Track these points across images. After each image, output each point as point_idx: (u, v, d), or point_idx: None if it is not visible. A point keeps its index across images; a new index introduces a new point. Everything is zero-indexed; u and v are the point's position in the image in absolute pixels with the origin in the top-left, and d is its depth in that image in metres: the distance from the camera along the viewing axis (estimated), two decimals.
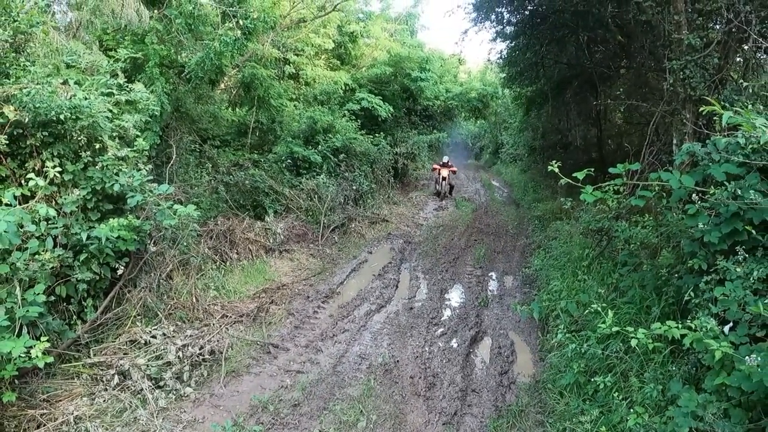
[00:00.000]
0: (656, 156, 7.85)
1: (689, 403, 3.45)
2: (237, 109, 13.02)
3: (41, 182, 5.68)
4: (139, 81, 7.89)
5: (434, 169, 20.38)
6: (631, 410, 4.14)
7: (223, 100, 12.86)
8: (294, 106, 14.99)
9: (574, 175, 4.94)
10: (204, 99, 11.56)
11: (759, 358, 2.92)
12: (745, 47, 6.92)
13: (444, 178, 19.72)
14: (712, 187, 4.34)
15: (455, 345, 7.29)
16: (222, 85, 12.57)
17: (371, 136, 16.01)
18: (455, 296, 9.23)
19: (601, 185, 5.31)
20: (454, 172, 20.61)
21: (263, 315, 7.65)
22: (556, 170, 4.84)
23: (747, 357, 2.95)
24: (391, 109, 17.53)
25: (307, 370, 6.44)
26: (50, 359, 4.81)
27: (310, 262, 10.27)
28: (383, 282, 9.71)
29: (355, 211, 13.48)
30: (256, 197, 11.16)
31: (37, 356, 4.59)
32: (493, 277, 10.28)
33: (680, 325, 3.30)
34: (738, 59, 7.03)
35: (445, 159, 20.38)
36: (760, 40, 6.37)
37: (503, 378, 6.47)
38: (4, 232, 4.81)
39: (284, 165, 12.56)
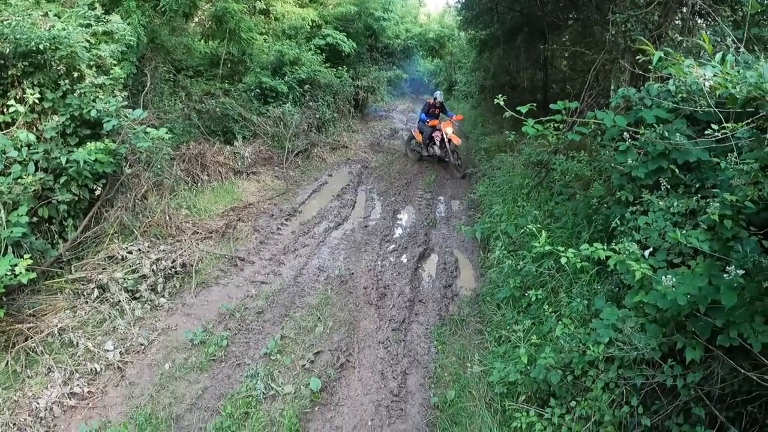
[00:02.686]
0: (595, 99, 7.85)
1: (610, 317, 3.54)
2: (210, 42, 12.54)
3: (21, 109, 5.48)
4: (116, 13, 7.53)
5: (428, 123, 12.84)
6: (559, 322, 4.24)
7: (196, 32, 12.35)
8: (264, 39, 14.45)
9: (517, 108, 4.89)
10: (178, 31, 11.07)
11: (674, 279, 2.98)
12: (684, 10, 6.91)
13: (449, 140, 12.24)
14: (642, 128, 4.36)
15: (405, 260, 7.34)
16: (195, 18, 12.05)
17: (335, 70, 15.61)
18: (406, 217, 9.24)
19: (542, 119, 5.32)
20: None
21: (231, 231, 7.58)
22: (502, 103, 4.75)
23: (663, 277, 2.97)
24: (355, 46, 16.96)
25: (271, 281, 6.47)
26: (33, 275, 4.70)
27: (274, 183, 10.14)
28: (341, 202, 9.66)
29: (317, 138, 13.24)
30: (226, 124, 10.90)
31: (21, 273, 4.49)
32: (442, 201, 10.31)
33: (606, 248, 3.32)
34: (677, 21, 7.00)
35: (438, 96, 13.03)
36: (699, 3, 6.35)
37: (447, 291, 6.57)
38: None
39: (253, 94, 12.24)
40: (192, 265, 6.39)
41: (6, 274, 4.46)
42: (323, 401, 4.57)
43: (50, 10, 6.49)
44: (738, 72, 2.59)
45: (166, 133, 6.58)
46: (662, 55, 3.53)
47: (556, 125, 5.81)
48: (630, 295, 3.47)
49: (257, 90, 12.41)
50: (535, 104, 5.13)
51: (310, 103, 13.69)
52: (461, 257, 7.63)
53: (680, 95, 3.97)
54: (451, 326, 5.71)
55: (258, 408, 4.36)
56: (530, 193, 7.77)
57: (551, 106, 5.20)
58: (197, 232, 7.22)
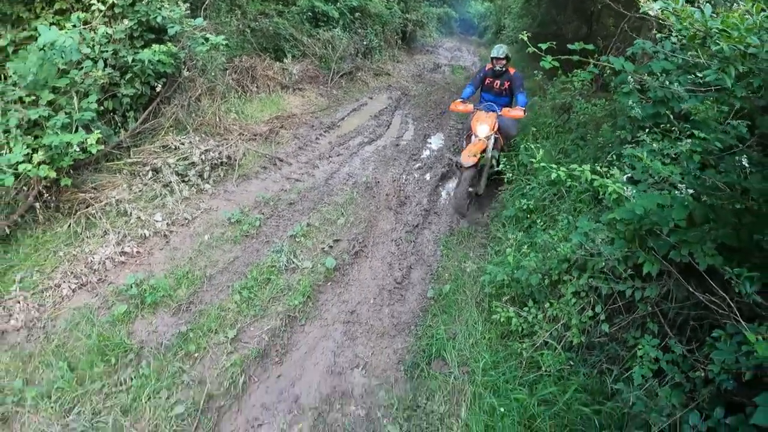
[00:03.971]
0: (622, 51, 7.87)
1: (584, 227, 3.78)
2: None
3: (102, 7, 5.89)
4: None
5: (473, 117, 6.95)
6: (545, 233, 4.56)
7: None
8: None
9: (539, 45, 4.83)
10: None
11: (635, 192, 3.20)
12: None
13: (483, 146, 6.43)
14: (646, 75, 4.46)
15: (428, 178, 7.62)
16: None
17: (386, 1, 15.53)
18: (436, 141, 9.42)
19: (559, 57, 5.31)
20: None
21: (273, 136, 7.97)
22: (525, 39, 4.62)
23: (626, 188, 3.13)
24: None
25: (304, 180, 6.90)
26: (102, 147, 5.26)
27: (318, 100, 10.44)
28: (377, 122, 9.93)
29: (362, 63, 13.37)
30: (277, 42, 11.11)
31: (91, 145, 5.00)
32: None
33: (591, 170, 3.39)
34: None
35: (500, 52, 7.03)
36: None
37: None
38: (69, 46, 5.13)
39: (305, 17, 12.38)
40: (236, 159, 6.84)
41: (75, 150, 4.95)
42: (335, 279, 5.02)
43: None
44: (684, 9, 2.69)
45: (224, 40, 6.92)
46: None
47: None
48: (606, 213, 3.64)
49: (309, 13, 12.52)
50: (554, 42, 5.10)
51: (359, 30, 13.75)
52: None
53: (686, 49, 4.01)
54: (459, 237, 6.00)
55: (279, 276, 4.87)
56: (551, 132, 7.86)
57: (569, 45, 5.22)
58: (243, 134, 7.62)
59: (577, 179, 3.49)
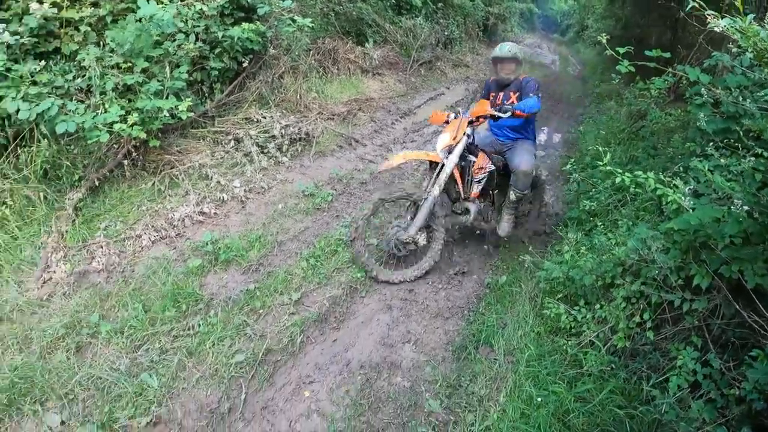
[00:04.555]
0: (700, 62, 7.57)
1: (642, 233, 3.67)
2: None
3: None
4: None
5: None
6: (605, 236, 4.46)
7: None
8: None
9: (616, 49, 4.42)
10: None
11: (692, 202, 3.06)
12: None
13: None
14: (720, 88, 4.28)
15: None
16: None
17: None
18: None
19: (636, 62, 5.09)
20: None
21: (351, 117, 8.13)
22: (604, 41, 4.36)
23: (683, 197, 3.03)
24: None
25: (377, 162, 7.00)
26: (192, 114, 5.58)
27: (396, 86, 10.53)
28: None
29: (442, 53, 13.37)
30: (360, 27, 11.24)
31: (182, 111, 5.29)
32: (544, 131, 10.23)
33: (656, 179, 3.28)
34: None
35: (505, 52, 5.01)
36: None
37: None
38: (166, 20, 5.41)
39: (388, 4, 12.47)
40: (314, 136, 7.02)
41: (164, 115, 5.22)
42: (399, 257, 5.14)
43: None
44: (750, 27, 2.56)
45: (310, 23, 7.13)
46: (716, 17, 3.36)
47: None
48: (664, 223, 3.56)
49: (393, 0, 12.63)
50: (632, 47, 4.88)
51: (441, 20, 13.75)
52: (548, 181, 7.60)
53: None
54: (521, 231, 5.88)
55: (345, 250, 4.97)
56: (624, 138, 7.64)
57: (645, 52, 5.01)
58: (322, 113, 7.79)
59: (641, 186, 3.40)
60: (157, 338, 3.83)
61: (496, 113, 4.77)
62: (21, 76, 4.73)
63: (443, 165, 4.71)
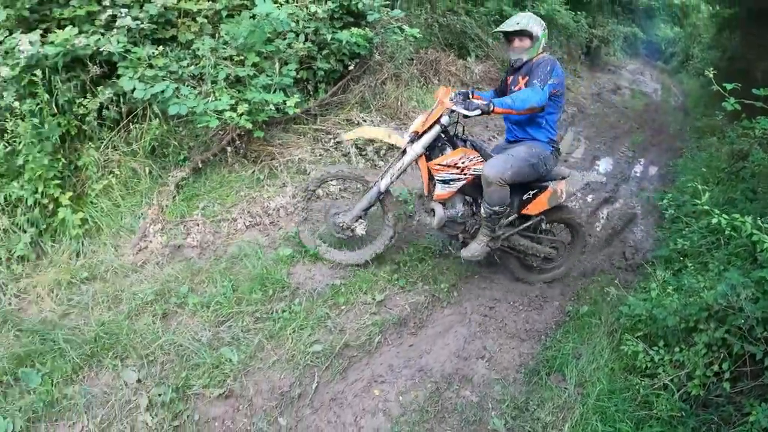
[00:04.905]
0: None
1: (733, 279, 3.46)
2: None
3: None
4: None
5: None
6: (694, 278, 4.23)
7: None
8: None
9: (723, 84, 4.21)
10: None
11: None
12: None
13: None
14: None
15: (589, 199, 7.46)
16: None
17: (573, 14, 15.14)
18: (604, 164, 9.15)
19: (742, 100, 4.76)
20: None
21: None
22: (711, 76, 4.21)
23: None
24: None
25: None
26: (298, 110, 5.84)
27: None
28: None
29: None
30: (462, 40, 11.23)
31: (289, 107, 5.54)
32: (641, 163, 9.90)
33: (753, 224, 3.17)
34: None
35: (513, 24, 4.21)
36: None
37: (615, 237, 6.61)
38: (282, 20, 5.61)
39: (492, 19, 12.40)
40: None
41: (270, 108, 5.45)
42: (483, 274, 5.17)
43: None
44: None
45: (417, 33, 7.30)
46: None
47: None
48: (756, 271, 3.42)
49: (497, 16, 12.46)
50: (739, 84, 4.58)
51: None
52: (640, 214, 7.46)
53: None
54: (611, 271, 5.73)
55: (432, 259, 5.09)
56: (723, 178, 7.25)
57: (753, 90, 4.67)
58: None
59: (737, 230, 3.29)
60: (241, 317, 3.99)
61: (461, 110, 3.87)
62: (139, 59, 5.02)
63: (405, 152, 4.28)
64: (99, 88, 5.05)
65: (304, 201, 4.70)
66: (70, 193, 4.72)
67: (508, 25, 4.24)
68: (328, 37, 6.53)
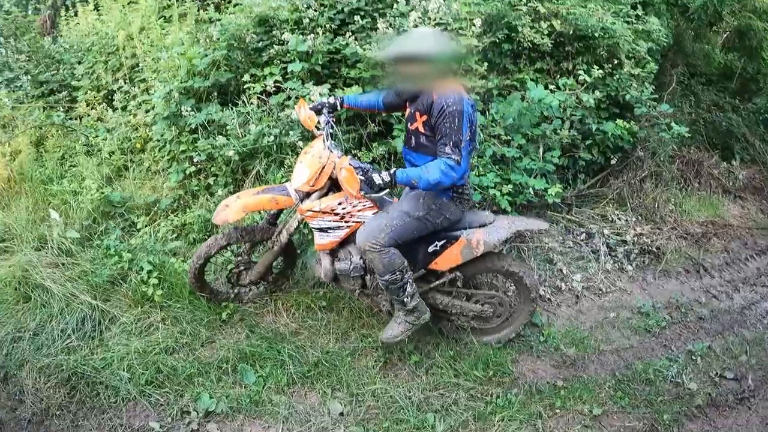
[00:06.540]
0: None
1: None
2: (728, 54, 11.72)
3: (569, 81, 6.34)
4: (648, 14, 7.88)
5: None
6: None
7: (716, 42, 11.63)
8: None
9: None
10: (700, 38, 10.62)
11: None
12: None
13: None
14: None
15: None
16: (716, 28, 11.40)
17: None
18: None
19: None
20: None
21: (704, 241, 7.51)
22: None
23: None
24: None
25: (721, 299, 6.39)
26: (558, 199, 5.86)
27: (757, 215, 9.37)
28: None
29: None
30: (727, 140, 10.23)
31: (550, 195, 5.64)
32: None
33: None
34: None
35: (406, 44, 3.42)
36: None
37: None
38: (554, 105, 5.79)
39: (761, 118, 11.21)
40: (664, 253, 6.70)
41: (529, 191, 5.63)
42: (709, 414, 4.60)
43: (601, 6, 7.01)
44: None
45: (687, 132, 6.96)
46: None
47: None
48: None
49: (767, 115, 11.36)
50: None
51: None
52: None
53: None
54: None
55: (661, 382, 4.74)
56: None
57: None
58: (675, 228, 7.41)
59: None
60: (457, 390, 4.12)
61: (360, 178, 3.21)
62: None
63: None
64: (374, 144, 5.60)
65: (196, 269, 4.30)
66: None
67: (396, 48, 3.47)
68: (594, 127, 6.48)
